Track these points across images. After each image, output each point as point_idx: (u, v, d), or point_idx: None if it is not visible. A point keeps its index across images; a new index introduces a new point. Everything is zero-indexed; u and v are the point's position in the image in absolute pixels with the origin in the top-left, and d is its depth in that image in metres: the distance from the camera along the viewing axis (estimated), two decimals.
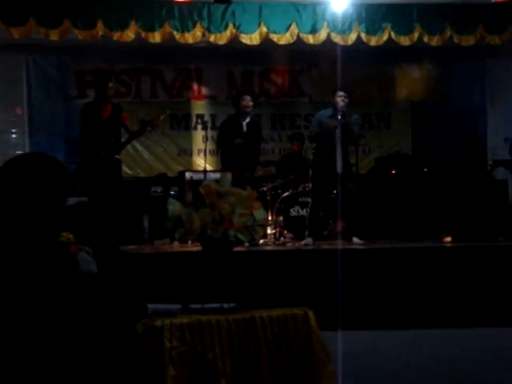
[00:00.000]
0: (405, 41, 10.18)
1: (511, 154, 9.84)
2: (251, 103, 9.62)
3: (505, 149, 10.22)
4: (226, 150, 9.70)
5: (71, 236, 6.22)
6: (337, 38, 10.03)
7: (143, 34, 9.76)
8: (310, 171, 9.92)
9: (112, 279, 5.37)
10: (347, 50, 10.01)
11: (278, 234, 9.90)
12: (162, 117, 9.72)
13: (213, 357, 4.75)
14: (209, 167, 10.98)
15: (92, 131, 9.15)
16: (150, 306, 4.94)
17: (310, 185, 9.97)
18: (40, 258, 5.79)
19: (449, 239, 9.60)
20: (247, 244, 7.83)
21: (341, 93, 9.30)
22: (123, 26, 9.62)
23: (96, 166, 9.08)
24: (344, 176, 9.14)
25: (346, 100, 9.27)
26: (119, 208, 9.63)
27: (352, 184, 9.25)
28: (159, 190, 10.51)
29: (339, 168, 9.10)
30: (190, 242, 8.50)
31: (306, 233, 9.46)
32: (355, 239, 9.13)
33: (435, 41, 10.19)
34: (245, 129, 9.60)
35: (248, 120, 9.64)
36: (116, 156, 9.26)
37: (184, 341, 4.69)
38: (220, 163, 10.09)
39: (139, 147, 12.44)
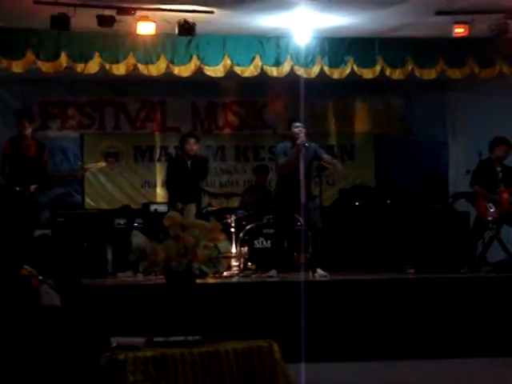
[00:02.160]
0: (367, 74, 10.27)
1: (472, 186, 9.94)
2: (195, 147, 9.73)
3: (466, 181, 10.32)
4: (172, 187, 9.82)
5: (32, 269, 6.16)
6: (300, 71, 10.10)
7: (107, 66, 9.75)
8: (273, 202, 9.95)
9: (75, 312, 5.32)
10: (310, 82, 10.08)
11: (242, 266, 9.89)
12: (101, 165, 10.27)
13: None
14: None
15: (17, 167, 9.22)
16: (113, 339, 4.90)
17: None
18: (1, 290, 5.71)
19: (411, 270, 9.65)
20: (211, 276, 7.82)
21: (297, 124, 9.31)
22: (87, 58, 9.59)
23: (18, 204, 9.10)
24: (308, 207, 9.15)
25: (304, 130, 9.27)
26: (81, 241, 9.58)
27: (316, 215, 9.26)
28: (123, 222, 10.46)
29: (303, 199, 9.11)
30: (153, 274, 8.46)
31: (270, 265, 9.44)
32: (319, 271, 9.14)
33: (397, 74, 10.30)
34: (189, 167, 9.71)
35: (192, 159, 9.75)
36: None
37: (148, 375, 4.65)
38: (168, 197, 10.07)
39: (102, 179, 12.38)
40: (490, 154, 9.88)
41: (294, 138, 9.26)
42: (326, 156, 9.53)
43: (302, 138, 9.15)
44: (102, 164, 10.45)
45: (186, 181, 9.61)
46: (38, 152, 9.37)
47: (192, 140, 9.75)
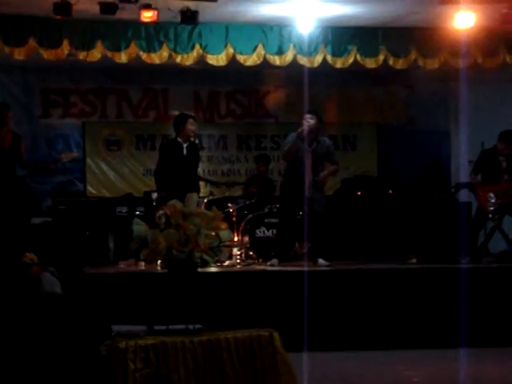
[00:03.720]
0: (370, 63, 10.25)
1: (471, 176, 9.93)
2: (195, 127, 9.47)
3: (468, 171, 10.31)
4: (166, 172, 9.37)
5: (34, 257, 6.17)
6: (303, 60, 10.07)
7: (109, 54, 9.72)
8: (279, 192, 9.92)
9: (76, 300, 5.33)
10: (313, 71, 10.05)
11: (243, 255, 9.88)
12: (73, 155, 10.05)
13: (177, 379, 4.73)
14: None
15: None
16: (114, 327, 4.90)
17: (277, 205, 9.98)
18: (1, 279, 5.72)
19: (413, 260, 9.65)
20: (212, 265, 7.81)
21: (306, 115, 9.29)
22: (89, 46, 9.57)
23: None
24: (313, 197, 9.13)
25: (312, 121, 9.19)
26: (83, 229, 9.58)
27: (320, 206, 9.23)
28: (124, 211, 10.45)
29: (307, 191, 9.09)
30: (155, 262, 8.46)
31: (272, 254, 9.44)
32: (320, 260, 9.14)
33: (400, 64, 10.29)
34: (185, 152, 9.37)
35: (188, 143, 9.42)
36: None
37: (148, 363, 4.66)
38: (156, 184, 9.70)
39: (104, 167, 12.39)
40: (497, 143, 9.80)
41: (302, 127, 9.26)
42: (323, 174, 9.34)
43: (303, 126, 9.14)
44: (74, 154, 10.26)
45: (182, 167, 9.26)
46: (14, 143, 9.19)
47: (192, 120, 9.45)
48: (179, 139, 9.41)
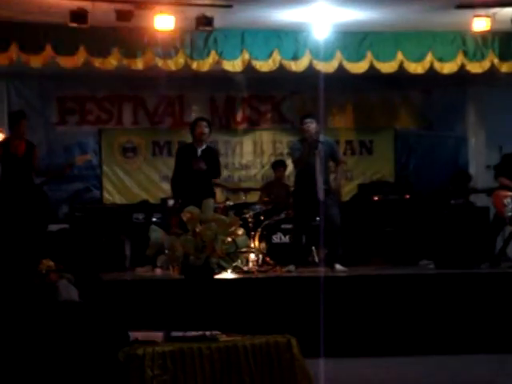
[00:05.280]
0: (386, 68, 10.23)
1: (496, 178, 9.83)
2: (207, 130, 9.24)
3: (486, 176, 10.24)
4: (181, 177, 9.26)
5: (52, 263, 6.18)
6: (319, 65, 10.07)
7: (125, 61, 9.76)
8: (292, 198, 9.91)
9: (93, 307, 5.32)
10: (329, 76, 10.04)
11: (260, 261, 9.87)
12: (87, 158, 10.09)
13: None
14: None
15: (8, 167, 9.05)
16: (131, 333, 4.90)
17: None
18: (19, 287, 5.73)
19: (431, 266, 9.60)
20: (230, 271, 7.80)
21: (307, 120, 9.33)
22: (105, 53, 9.62)
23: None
24: (326, 203, 9.12)
25: (313, 126, 9.25)
26: (100, 235, 9.59)
27: (335, 211, 9.23)
28: (141, 217, 10.46)
29: (320, 195, 9.09)
30: (172, 268, 8.45)
31: (289, 260, 9.43)
32: (338, 266, 9.11)
33: (416, 68, 10.26)
34: (199, 156, 9.21)
35: (204, 147, 9.31)
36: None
37: (166, 369, 4.64)
38: (172, 191, 9.60)
39: (121, 174, 12.40)
40: None
41: (304, 133, 9.27)
42: (335, 182, 9.44)
43: (310, 132, 9.19)
44: (88, 157, 10.31)
45: (196, 172, 9.05)
46: (28, 151, 9.12)
47: (203, 123, 9.27)
48: (194, 144, 9.35)
